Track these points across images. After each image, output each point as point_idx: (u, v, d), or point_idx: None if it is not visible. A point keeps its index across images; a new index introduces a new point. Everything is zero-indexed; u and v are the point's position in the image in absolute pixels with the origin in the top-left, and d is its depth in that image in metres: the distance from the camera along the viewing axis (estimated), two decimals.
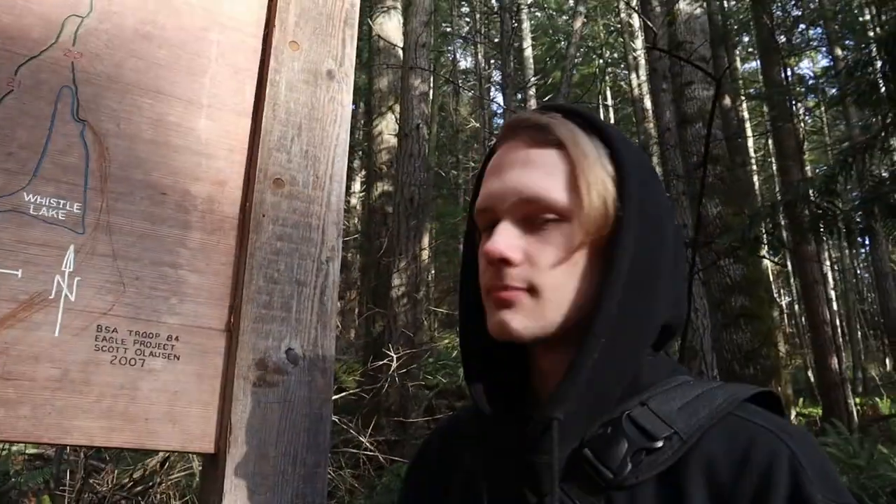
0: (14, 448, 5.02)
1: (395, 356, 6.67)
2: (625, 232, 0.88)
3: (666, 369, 0.96)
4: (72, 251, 1.24)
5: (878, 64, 5.70)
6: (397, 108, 10.00)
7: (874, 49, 5.78)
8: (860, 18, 15.71)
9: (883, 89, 5.68)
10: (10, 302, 1.19)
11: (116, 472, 4.21)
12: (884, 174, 6.14)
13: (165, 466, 4.00)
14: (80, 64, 1.33)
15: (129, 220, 1.29)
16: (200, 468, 1.36)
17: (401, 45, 10.42)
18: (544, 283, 0.89)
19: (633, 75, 18.58)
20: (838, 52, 17.07)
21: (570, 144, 0.91)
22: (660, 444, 0.85)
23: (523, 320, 0.89)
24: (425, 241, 9.39)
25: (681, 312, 0.98)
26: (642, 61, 18.03)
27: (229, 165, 1.40)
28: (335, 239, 1.41)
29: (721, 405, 0.88)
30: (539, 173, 0.91)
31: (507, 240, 0.90)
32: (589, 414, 0.89)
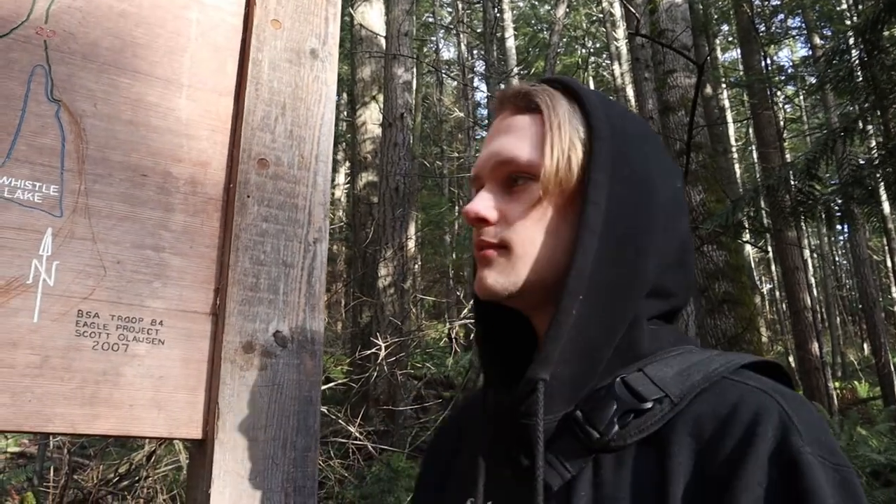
0: None
1: (383, 345, 6.64)
2: (592, 188, 0.88)
3: (670, 339, 0.94)
4: (49, 235, 1.20)
5: (856, 52, 5.72)
6: (380, 97, 9.94)
7: (851, 37, 5.80)
8: (838, 8, 15.80)
9: (860, 77, 5.71)
10: None
11: (102, 467, 4.15)
12: (861, 161, 6.17)
13: (152, 460, 3.94)
14: (53, 42, 1.28)
15: (108, 202, 1.25)
16: (188, 456, 1.33)
17: (383, 34, 10.34)
18: (512, 239, 0.92)
19: (616, 65, 18.59)
20: (817, 40, 17.18)
21: (545, 108, 0.95)
22: (649, 405, 0.84)
23: (497, 276, 0.93)
24: (411, 230, 9.36)
25: (687, 278, 0.97)
26: (624, 51, 18.05)
27: (212, 146, 1.36)
28: (322, 220, 1.37)
29: (717, 370, 0.86)
30: (514, 137, 0.96)
31: (483, 201, 0.94)
32: (580, 376, 0.88)
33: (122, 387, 1.19)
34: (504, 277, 0.92)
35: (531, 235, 0.92)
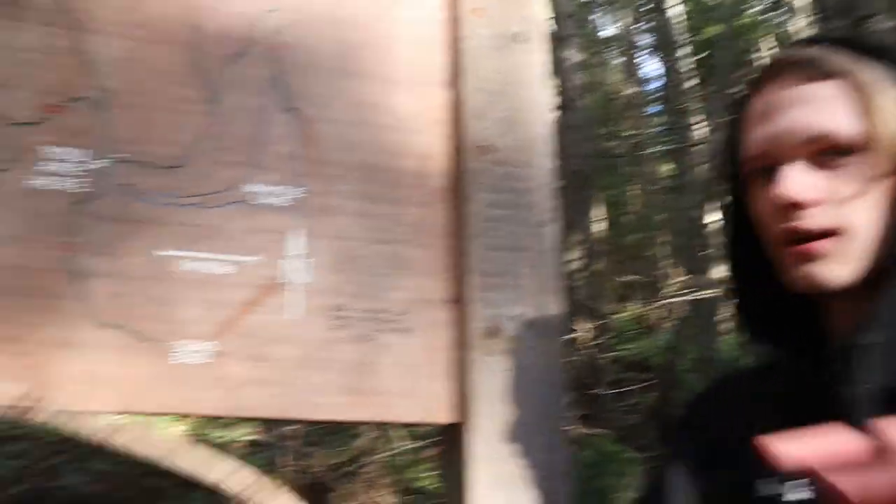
0: (232, 435, 5.45)
1: (579, 329, 6.57)
2: None
3: None
4: (298, 235, 1.27)
5: None
6: (551, 81, 9.81)
7: None
8: None
9: None
10: (250, 288, 1.23)
11: (330, 453, 4.44)
12: None
13: (373, 448, 4.16)
14: (282, 55, 1.35)
15: (346, 200, 1.31)
16: (441, 441, 1.36)
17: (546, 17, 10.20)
18: (851, 222, 0.82)
19: (794, 20, 17.21)
20: None
21: (847, 73, 0.83)
22: None
23: (834, 269, 0.82)
24: (596, 212, 9.21)
25: None
26: (798, 3, 16.64)
27: (433, 138, 1.38)
28: (548, 202, 1.35)
29: None
30: (820, 108, 0.83)
31: (797, 181, 0.83)
32: None
33: (376, 376, 1.24)
34: (844, 267, 0.83)
35: (871, 216, 0.82)
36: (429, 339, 1.28)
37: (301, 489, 4.13)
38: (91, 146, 1.22)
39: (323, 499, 4.17)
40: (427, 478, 4.86)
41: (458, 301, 1.29)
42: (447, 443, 1.31)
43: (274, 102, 1.32)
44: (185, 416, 1.36)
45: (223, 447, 5.10)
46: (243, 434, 5.61)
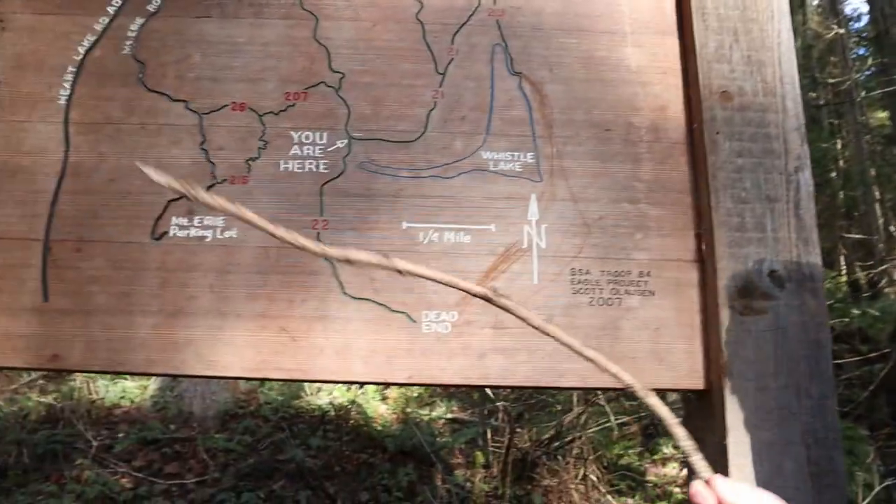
0: (433, 413, 5.66)
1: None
2: None
3: None
4: (534, 200, 1.27)
5: None
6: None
7: None
8: None
9: None
10: (490, 255, 1.25)
11: (535, 429, 4.49)
12: None
13: (581, 423, 4.16)
14: (503, 21, 1.36)
15: (580, 161, 1.29)
16: (686, 406, 1.32)
17: None
18: None
19: None
20: None
21: None
22: None
23: None
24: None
25: None
26: None
27: (665, 89, 1.33)
28: (799, 146, 1.26)
29: None
30: None
31: None
32: None
33: (621, 340, 1.22)
34: None
35: None
36: (674, 301, 1.23)
37: (509, 464, 4.21)
38: (332, 127, 1.30)
39: (530, 473, 4.23)
40: (632, 455, 4.78)
41: (706, 259, 1.24)
42: (697, 409, 1.26)
43: (499, 68, 1.34)
44: (431, 385, 1.42)
45: (427, 425, 5.31)
46: (446, 412, 5.81)
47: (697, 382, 1.22)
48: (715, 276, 1.20)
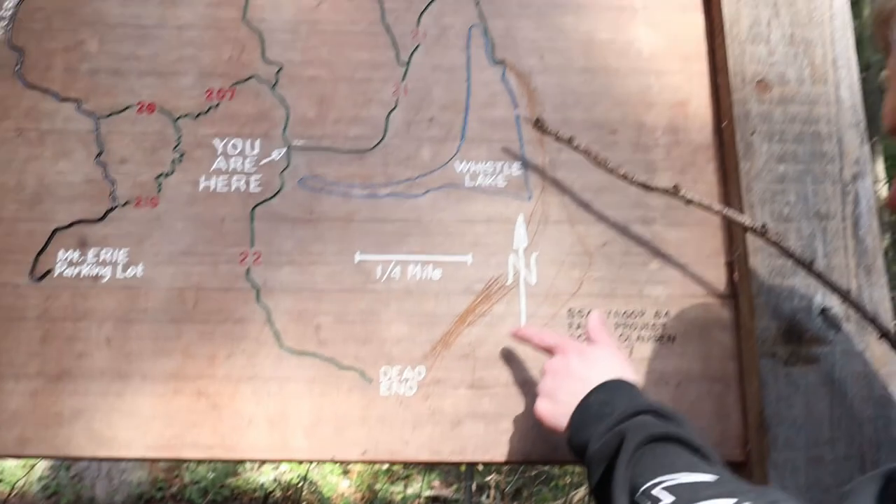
0: (409, 491, 5.56)
1: None
2: None
3: None
4: (521, 223, 1.23)
5: None
6: None
7: None
8: None
9: None
10: (466, 294, 1.21)
11: None
12: None
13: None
14: None
15: (579, 173, 1.26)
16: None
17: None
18: None
19: None
20: None
21: None
22: None
23: None
24: (878, 168, 8.51)
25: None
26: None
27: (687, 79, 1.30)
28: (859, 147, 1.21)
29: None
30: None
31: None
32: None
33: None
34: None
35: None
36: (702, 349, 1.21)
37: None
38: (266, 134, 1.25)
39: None
40: None
41: (739, 295, 1.20)
42: None
43: (477, 56, 1.29)
44: (391, 462, 1.35)
45: None
46: (424, 488, 5.70)
47: (732, 453, 1.19)
48: (752, 317, 1.17)
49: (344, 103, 1.27)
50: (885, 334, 1.08)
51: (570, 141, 1.17)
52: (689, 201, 1.11)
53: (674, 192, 1.11)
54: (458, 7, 1.31)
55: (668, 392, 1.19)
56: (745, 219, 1.11)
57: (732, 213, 1.11)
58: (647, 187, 1.13)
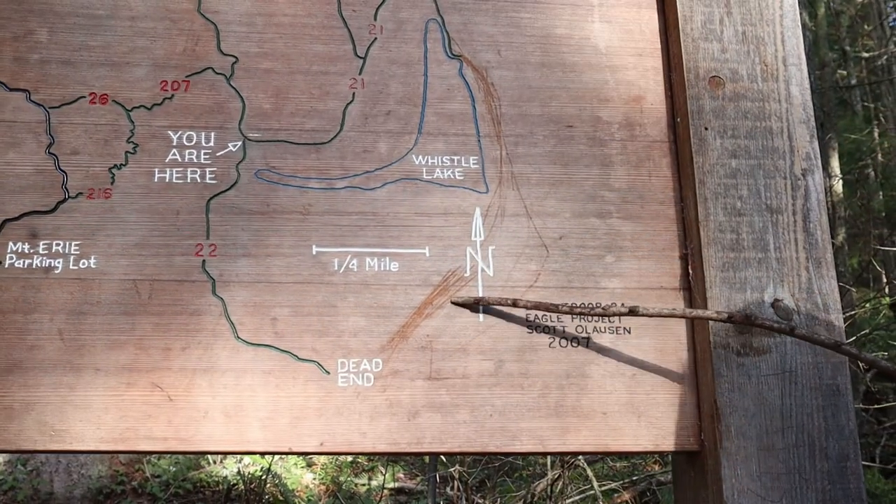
0: (373, 483, 5.57)
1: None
2: None
3: None
4: (478, 216, 1.26)
5: None
6: None
7: None
8: None
9: None
10: (423, 286, 1.23)
11: (500, 500, 4.43)
12: None
13: (556, 491, 4.10)
14: None
15: (535, 166, 1.28)
16: (674, 471, 1.31)
17: None
18: None
19: None
20: None
21: None
22: None
23: None
24: (834, 164, 8.68)
25: None
26: None
27: (642, 75, 1.33)
28: (808, 143, 1.26)
29: None
30: None
31: None
32: None
33: (590, 390, 1.21)
34: None
35: None
36: (655, 340, 1.24)
37: None
38: (221, 126, 1.26)
39: None
40: None
41: (694, 287, 1.24)
42: (686, 474, 1.25)
43: (434, 50, 1.32)
44: (348, 454, 1.38)
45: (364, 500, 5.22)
46: (389, 479, 5.73)
47: (686, 442, 1.22)
48: (704, 308, 1.18)
49: (300, 96, 1.28)
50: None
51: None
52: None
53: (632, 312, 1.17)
54: (415, 1, 1.33)
55: (624, 383, 1.21)
56: (772, 322, 1.16)
57: (763, 320, 1.16)
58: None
